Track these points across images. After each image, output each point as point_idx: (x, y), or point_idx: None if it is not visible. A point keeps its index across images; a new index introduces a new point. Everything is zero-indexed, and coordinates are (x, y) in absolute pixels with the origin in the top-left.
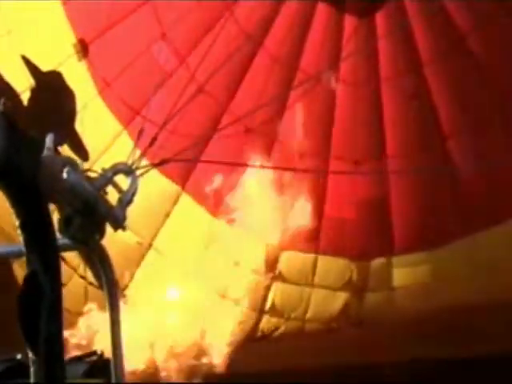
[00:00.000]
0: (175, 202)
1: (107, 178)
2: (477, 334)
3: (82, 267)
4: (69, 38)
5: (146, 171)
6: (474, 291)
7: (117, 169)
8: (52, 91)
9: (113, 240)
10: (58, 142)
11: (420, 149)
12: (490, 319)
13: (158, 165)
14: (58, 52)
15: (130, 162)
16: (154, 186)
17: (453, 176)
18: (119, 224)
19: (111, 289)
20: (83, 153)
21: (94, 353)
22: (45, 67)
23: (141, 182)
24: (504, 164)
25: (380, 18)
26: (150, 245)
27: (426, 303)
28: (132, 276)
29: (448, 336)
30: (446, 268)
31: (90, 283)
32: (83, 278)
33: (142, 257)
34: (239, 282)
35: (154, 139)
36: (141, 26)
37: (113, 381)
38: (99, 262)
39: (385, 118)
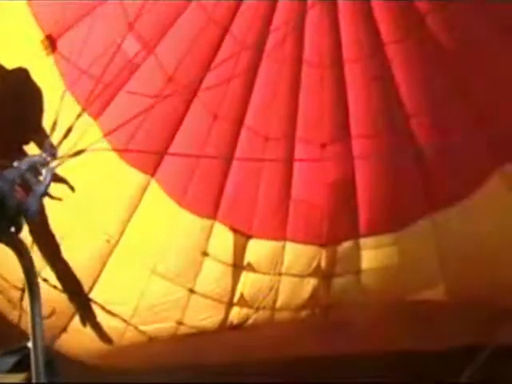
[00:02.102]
0: (143, 192)
1: (20, 170)
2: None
3: (46, 270)
4: (36, 35)
5: (62, 162)
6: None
7: (31, 161)
8: (18, 89)
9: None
10: (24, 141)
11: (384, 128)
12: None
13: (74, 155)
14: (24, 49)
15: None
16: (120, 176)
17: (416, 154)
18: (31, 216)
19: (31, 282)
20: (51, 150)
21: (25, 347)
22: (11, 65)
23: (106, 174)
24: (465, 141)
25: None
26: (119, 239)
27: (392, 287)
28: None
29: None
30: (411, 248)
31: (54, 286)
32: (45, 280)
33: (110, 253)
34: (207, 274)
35: (69, 130)
36: (108, 18)
37: (33, 374)
38: (17, 256)
39: (349, 99)
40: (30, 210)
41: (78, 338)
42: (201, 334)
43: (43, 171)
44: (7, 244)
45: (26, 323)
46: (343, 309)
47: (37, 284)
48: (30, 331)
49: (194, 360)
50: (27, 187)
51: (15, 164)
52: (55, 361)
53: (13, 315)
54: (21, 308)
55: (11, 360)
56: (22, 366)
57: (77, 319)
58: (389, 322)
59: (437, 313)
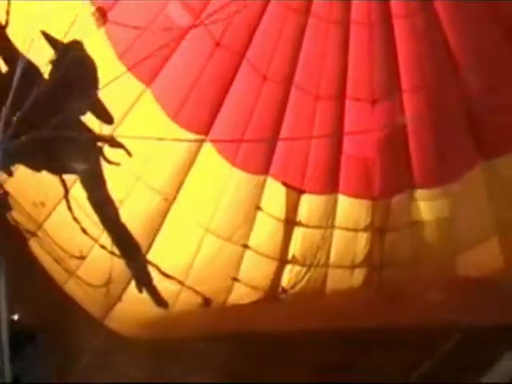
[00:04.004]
0: (197, 153)
1: None
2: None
3: (104, 237)
4: (86, 7)
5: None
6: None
7: None
8: (73, 61)
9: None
10: (81, 111)
11: (434, 81)
12: None
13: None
14: (76, 21)
15: None
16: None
17: (466, 105)
18: None
19: None
20: (107, 117)
21: None
22: (64, 38)
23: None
24: None
25: None
26: (174, 199)
27: (446, 240)
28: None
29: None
30: (464, 200)
31: (112, 253)
32: (103, 247)
33: (167, 213)
34: (261, 230)
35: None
36: None
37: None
38: None
39: (399, 55)
40: None
41: (132, 307)
42: (252, 304)
43: None
44: None
45: (83, 291)
46: (397, 268)
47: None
48: None
49: (244, 329)
50: None
51: None
52: (38, 336)
53: (69, 284)
54: (77, 276)
55: None
56: None
57: (132, 286)
58: (444, 292)
59: (494, 281)
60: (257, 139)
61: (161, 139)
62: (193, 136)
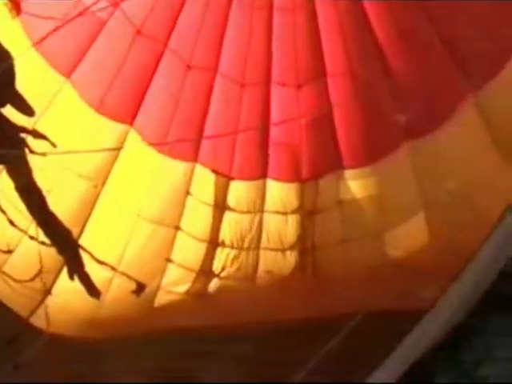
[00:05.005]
0: (123, 141)
1: None
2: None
3: (32, 228)
4: None
5: None
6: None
7: None
8: None
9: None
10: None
11: (359, 63)
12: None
13: None
14: None
15: None
16: (98, 129)
17: (390, 87)
18: None
19: None
20: (28, 109)
21: None
22: None
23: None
24: (436, 70)
25: None
26: (104, 185)
27: (375, 218)
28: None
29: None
30: (390, 178)
31: (42, 242)
32: (33, 238)
33: (97, 199)
34: (191, 214)
35: None
36: None
37: None
38: None
39: (323, 38)
40: None
41: (63, 299)
42: (185, 294)
43: None
44: None
45: (9, 289)
46: (329, 250)
47: None
48: None
49: (176, 327)
50: None
51: None
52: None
53: None
54: (3, 272)
55: None
56: None
57: (63, 277)
58: (372, 280)
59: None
60: (182, 139)
61: (77, 152)
62: (117, 125)
